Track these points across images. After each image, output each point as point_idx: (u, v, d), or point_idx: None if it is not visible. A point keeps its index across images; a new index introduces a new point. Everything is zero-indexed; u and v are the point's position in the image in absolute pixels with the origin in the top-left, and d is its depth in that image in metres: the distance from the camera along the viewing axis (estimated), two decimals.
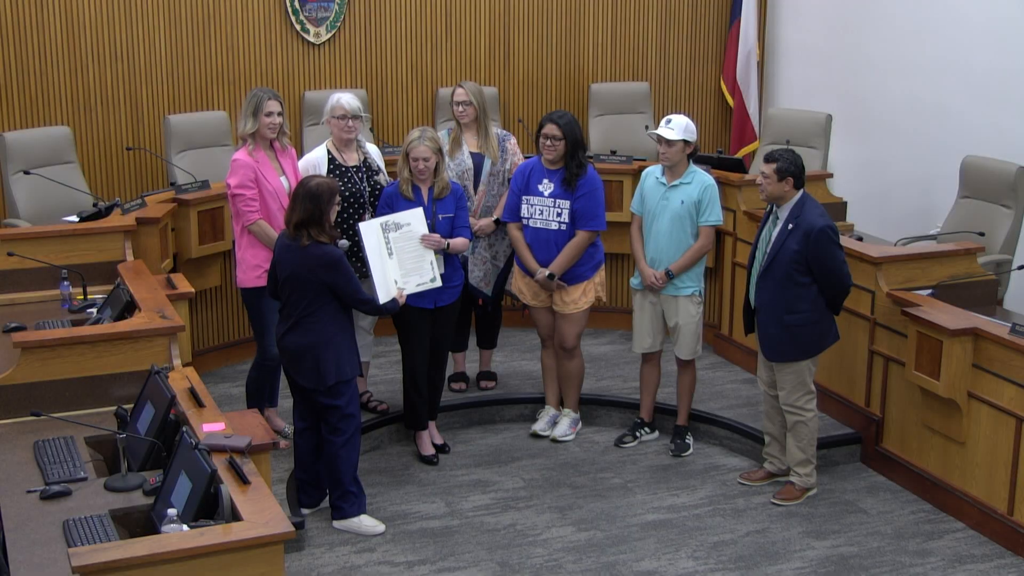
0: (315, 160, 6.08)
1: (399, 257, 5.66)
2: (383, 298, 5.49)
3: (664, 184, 6.09)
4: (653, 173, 6.17)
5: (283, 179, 5.91)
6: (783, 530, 5.57)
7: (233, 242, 6.88)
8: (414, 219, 5.74)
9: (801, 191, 5.58)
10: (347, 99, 6.04)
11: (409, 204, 5.81)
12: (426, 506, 5.75)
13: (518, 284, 6.42)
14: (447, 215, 5.88)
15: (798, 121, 8.19)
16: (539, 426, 6.53)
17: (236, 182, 5.80)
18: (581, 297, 6.25)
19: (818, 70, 8.96)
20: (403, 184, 5.84)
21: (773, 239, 5.59)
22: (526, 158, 6.63)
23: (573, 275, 6.21)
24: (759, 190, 5.64)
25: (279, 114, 5.85)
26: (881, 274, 6.06)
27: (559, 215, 6.13)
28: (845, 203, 7.52)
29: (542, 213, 6.16)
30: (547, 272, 6.16)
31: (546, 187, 6.15)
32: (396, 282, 5.62)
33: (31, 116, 7.61)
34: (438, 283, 5.79)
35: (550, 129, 6.07)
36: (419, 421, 6.20)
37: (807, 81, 9.09)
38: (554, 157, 6.10)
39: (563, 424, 6.50)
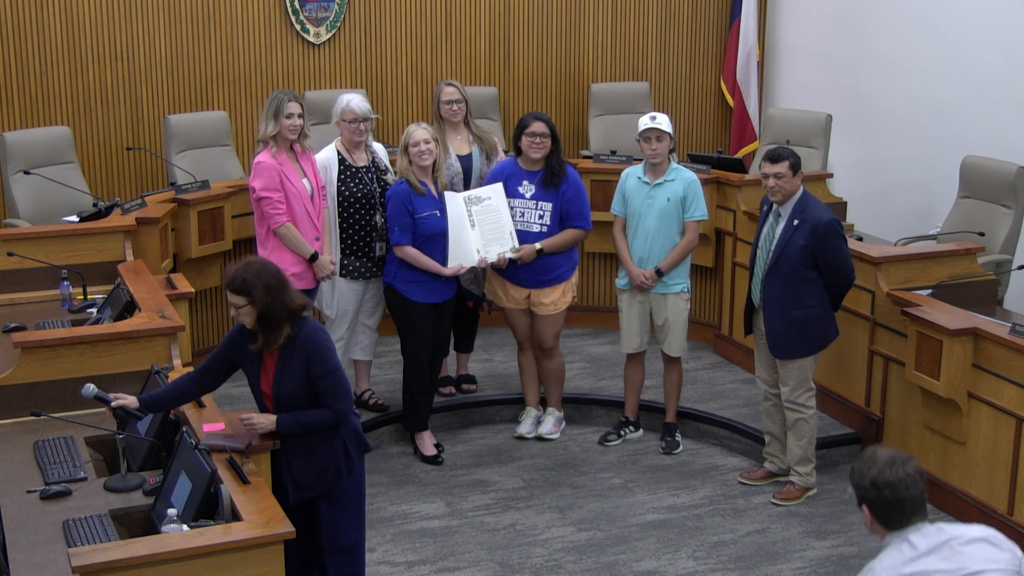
0: (325, 161, 6.05)
1: (481, 229, 6.02)
2: (454, 262, 5.94)
3: (648, 183, 6.08)
4: (634, 173, 6.16)
5: (305, 181, 5.90)
6: (783, 530, 5.57)
7: (234, 243, 6.93)
8: (494, 193, 6.08)
9: (801, 187, 5.58)
10: (356, 102, 6.01)
11: (422, 199, 5.82)
12: (426, 506, 5.75)
13: (493, 287, 6.40)
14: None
15: (798, 121, 8.19)
16: (524, 428, 6.50)
17: (261, 185, 5.77)
18: (560, 298, 6.23)
19: (818, 70, 8.95)
20: (413, 181, 5.84)
21: (778, 236, 5.57)
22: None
23: (552, 277, 6.17)
24: (770, 192, 5.54)
25: (299, 116, 5.84)
26: (881, 274, 6.06)
27: (541, 217, 6.10)
28: (845, 203, 7.51)
29: (523, 215, 6.12)
30: (537, 246, 6.08)
31: (527, 189, 6.12)
32: (478, 251, 6.01)
33: (31, 116, 7.61)
34: None
35: (539, 127, 6.02)
36: (422, 422, 6.20)
37: (807, 81, 9.08)
38: (543, 155, 6.06)
39: (548, 423, 6.49)
